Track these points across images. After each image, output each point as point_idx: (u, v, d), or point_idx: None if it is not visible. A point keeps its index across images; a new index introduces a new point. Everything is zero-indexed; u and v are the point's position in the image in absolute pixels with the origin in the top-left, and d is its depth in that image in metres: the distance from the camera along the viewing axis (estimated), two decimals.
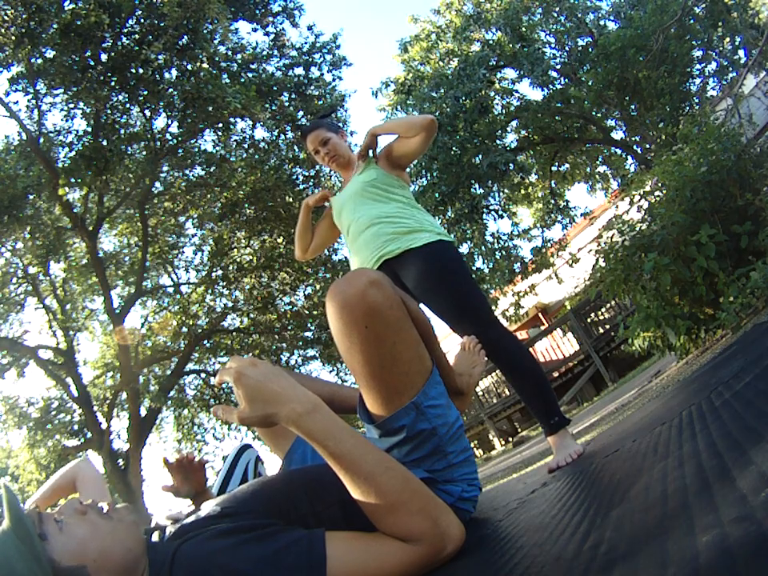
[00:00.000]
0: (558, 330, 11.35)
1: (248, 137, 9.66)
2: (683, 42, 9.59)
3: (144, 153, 8.77)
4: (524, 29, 10.96)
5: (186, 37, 7.41)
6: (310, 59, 9.40)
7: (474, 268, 10.86)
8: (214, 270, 10.70)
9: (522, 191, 12.88)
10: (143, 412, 9.97)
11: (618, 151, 12.60)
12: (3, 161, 8.06)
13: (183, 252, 11.57)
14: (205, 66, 7.71)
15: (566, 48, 11.89)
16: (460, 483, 0.98)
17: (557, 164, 13.06)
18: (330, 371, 11.21)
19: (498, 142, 10.91)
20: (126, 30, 7.44)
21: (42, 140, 7.77)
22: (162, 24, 7.08)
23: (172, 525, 0.88)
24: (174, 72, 7.79)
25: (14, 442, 13.32)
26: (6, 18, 6.33)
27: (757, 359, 1.35)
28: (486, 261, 11.08)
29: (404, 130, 1.90)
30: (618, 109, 10.85)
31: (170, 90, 7.60)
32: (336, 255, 10.14)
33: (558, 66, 11.76)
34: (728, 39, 10.32)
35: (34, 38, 6.45)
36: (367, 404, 0.94)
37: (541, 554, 0.65)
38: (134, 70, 7.37)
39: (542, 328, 13.65)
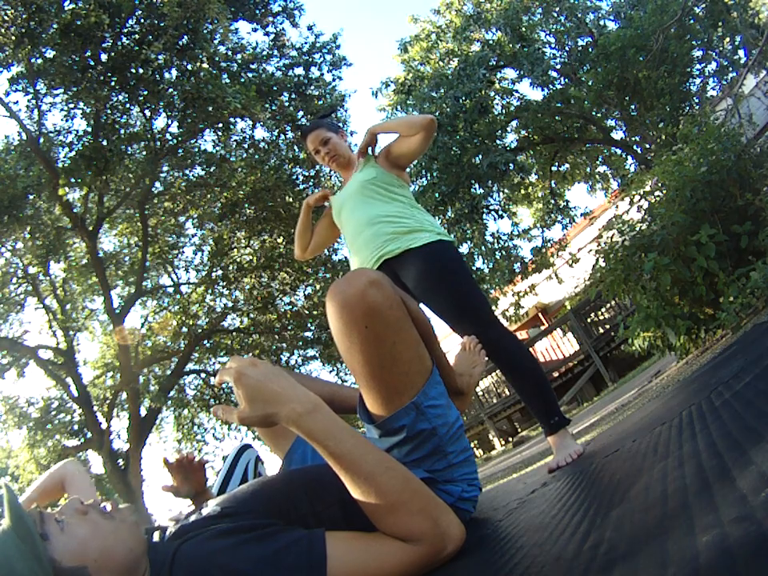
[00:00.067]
0: (558, 329, 11.35)
1: (248, 137, 9.67)
2: (683, 42, 9.59)
3: (144, 153, 8.77)
4: (524, 29, 10.97)
5: (185, 37, 7.40)
6: (310, 59, 9.40)
7: (474, 268, 10.87)
8: (214, 270, 10.70)
9: (522, 191, 12.89)
10: (143, 412, 9.97)
11: (618, 151, 12.60)
12: (3, 161, 8.06)
13: (183, 252, 11.58)
14: (205, 66, 7.71)
15: (566, 48, 11.90)
16: (460, 483, 0.98)
17: (557, 164, 13.07)
18: (330, 371, 11.22)
19: (498, 141, 10.91)
20: (126, 30, 7.44)
21: (42, 140, 7.77)
22: (162, 24, 7.08)
23: (172, 525, 0.88)
24: (174, 72, 7.79)
25: (14, 442, 13.31)
26: (6, 17, 6.33)
27: (757, 359, 1.35)
28: (486, 261, 11.09)
29: (403, 128, 1.90)
30: (618, 109, 10.86)
31: (170, 90, 7.60)
32: (336, 255, 10.14)
33: (558, 66, 11.76)
34: (728, 39, 10.33)
35: (34, 38, 6.45)
36: (367, 404, 0.94)
37: (541, 554, 0.65)
38: (134, 70, 7.37)
39: (542, 328, 13.65)
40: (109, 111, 7.63)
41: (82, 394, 9.60)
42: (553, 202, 12.73)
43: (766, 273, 2.58)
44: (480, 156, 9.97)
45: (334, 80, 9.54)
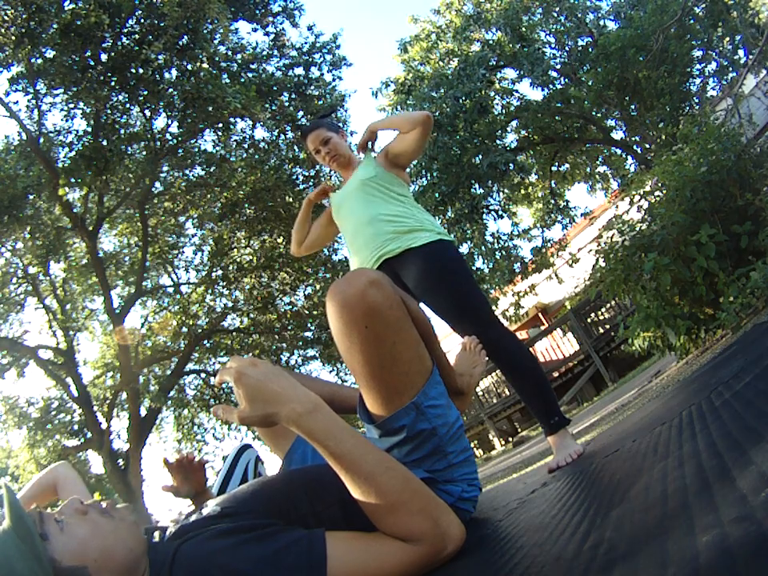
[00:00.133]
0: (557, 329, 11.35)
1: (248, 137, 9.67)
2: (683, 42, 9.59)
3: (144, 153, 8.77)
4: (524, 29, 10.96)
5: (186, 37, 7.41)
6: (310, 59, 9.41)
7: (474, 268, 10.87)
8: (214, 270, 10.71)
9: (522, 191, 12.89)
10: (143, 412, 9.97)
11: (618, 151, 12.60)
12: (3, 161, 8.06)
13: (183, 252, 11.59)
14: (205, 66, 7.71)
15: (566, 48, 11.90)
16: (460, 483, 0.98)
17: (557, 164, 13.07)
18: (330, 371, 11.23)
19: (497, 142, 10.91)
20: (126, 30, 7.44)
21: (41, 140, 7.77)
22: (162, 24, 7.08)
23: (172, 525, 0.88)
24: (174, 72, 7.80)
25: (14, 442, 13.35)
26: (6, 17, 6.33)
27: (757, 359, 1.35)
28: (486, 261, 11.09)
29: (401, 124, 1.91)
30: (618, 109, 10.86)
31: (170, 90, 7.60)
32: (336, 255, 10.15)
33: (558, 66, 11.76)
34: (728, 39, 10.33)
35: (34, 38, 6.45)
36: (367, 404, 0.94)
37: (541, 554, 0.65)
38: (134, 70, 7.37)
39: (542, 328, 13.65)
40: (109, 111, 7.63)
41: (82, 394, 9.60)
42: (553, 202, 12.73)
43: (765, 273, 2.58)
44: (480, 156, 9.97)
45: (333, 80, 9.56)
